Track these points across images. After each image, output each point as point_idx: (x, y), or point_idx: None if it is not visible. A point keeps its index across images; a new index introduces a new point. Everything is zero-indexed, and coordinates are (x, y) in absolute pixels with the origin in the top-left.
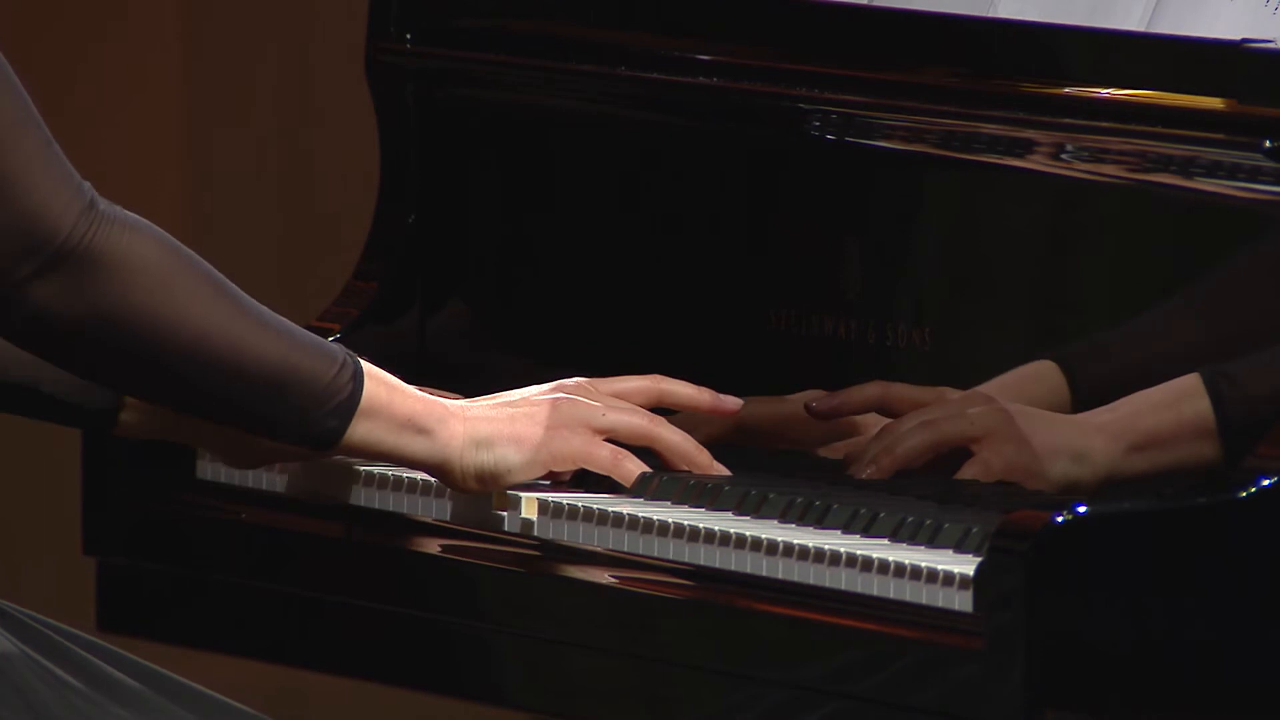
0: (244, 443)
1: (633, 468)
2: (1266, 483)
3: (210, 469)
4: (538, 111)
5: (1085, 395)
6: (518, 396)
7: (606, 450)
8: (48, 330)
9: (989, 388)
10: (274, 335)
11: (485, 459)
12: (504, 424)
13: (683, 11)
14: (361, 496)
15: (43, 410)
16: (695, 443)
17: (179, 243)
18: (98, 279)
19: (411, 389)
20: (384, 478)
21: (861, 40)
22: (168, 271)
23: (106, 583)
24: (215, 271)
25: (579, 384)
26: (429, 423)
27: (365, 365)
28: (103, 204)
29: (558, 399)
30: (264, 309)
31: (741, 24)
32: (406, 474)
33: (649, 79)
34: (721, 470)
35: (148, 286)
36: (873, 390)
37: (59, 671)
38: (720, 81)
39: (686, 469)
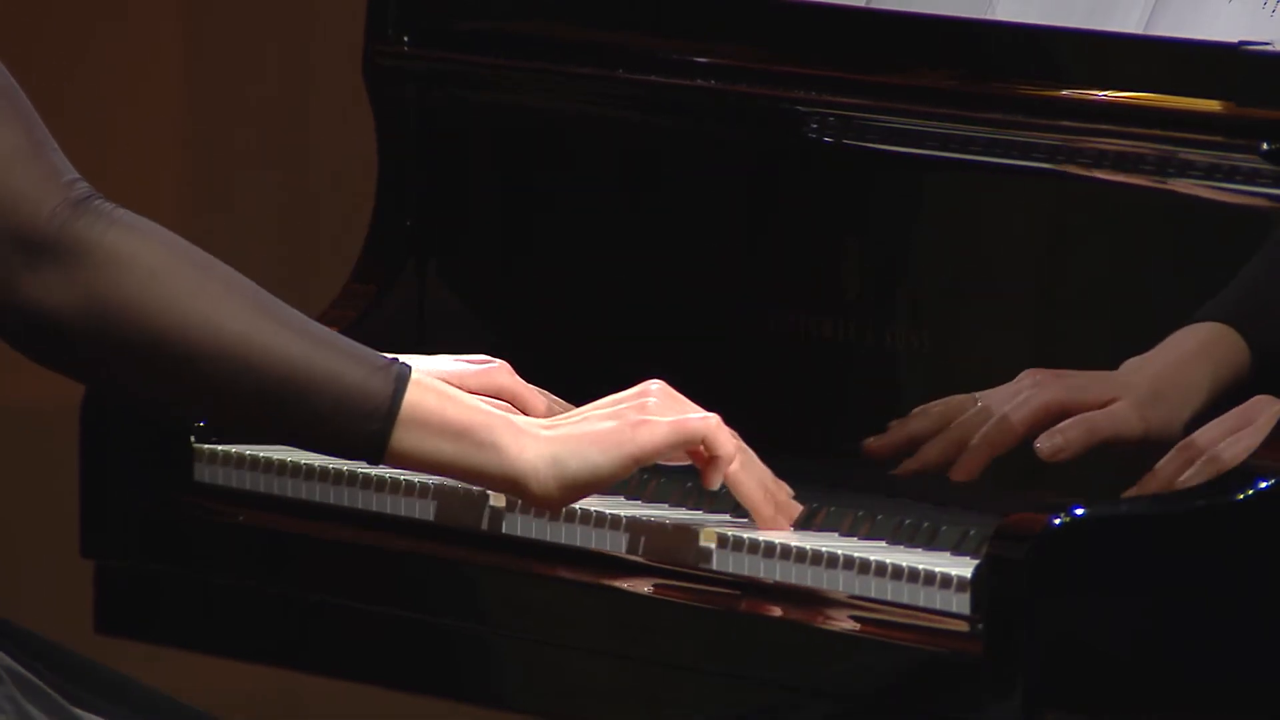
0: None
1: (728, 437)
2: (1265, 485)
3: (208, 471)
4: (536, 113)
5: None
6: (598, 407)
7: (696, 420)
8: (44, 328)
9: (1162, 354)
10: (296, 335)
11: (570, 468)
12: (582, 428)
13: (681, 14)
14: (360, 499)
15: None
16: (771, 499)
17: (190, 244)
18: (86, 270)
19: (478, 400)
20: (380, 480)
21: (860, 42)
22: (165, 265)
23: (104, 585)
24: (233, 272)
25: (663, 388)
26: (492, 435)
27: (418, 374)
28: (100, 201)
29: (641, 399)
30: (295, 313)
31: (740, 26)
32: (404, 476)
33: (648, 81)
34: (783, 525)
35: (141, 279)
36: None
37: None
38: (719, 84)
39: (753, 503)
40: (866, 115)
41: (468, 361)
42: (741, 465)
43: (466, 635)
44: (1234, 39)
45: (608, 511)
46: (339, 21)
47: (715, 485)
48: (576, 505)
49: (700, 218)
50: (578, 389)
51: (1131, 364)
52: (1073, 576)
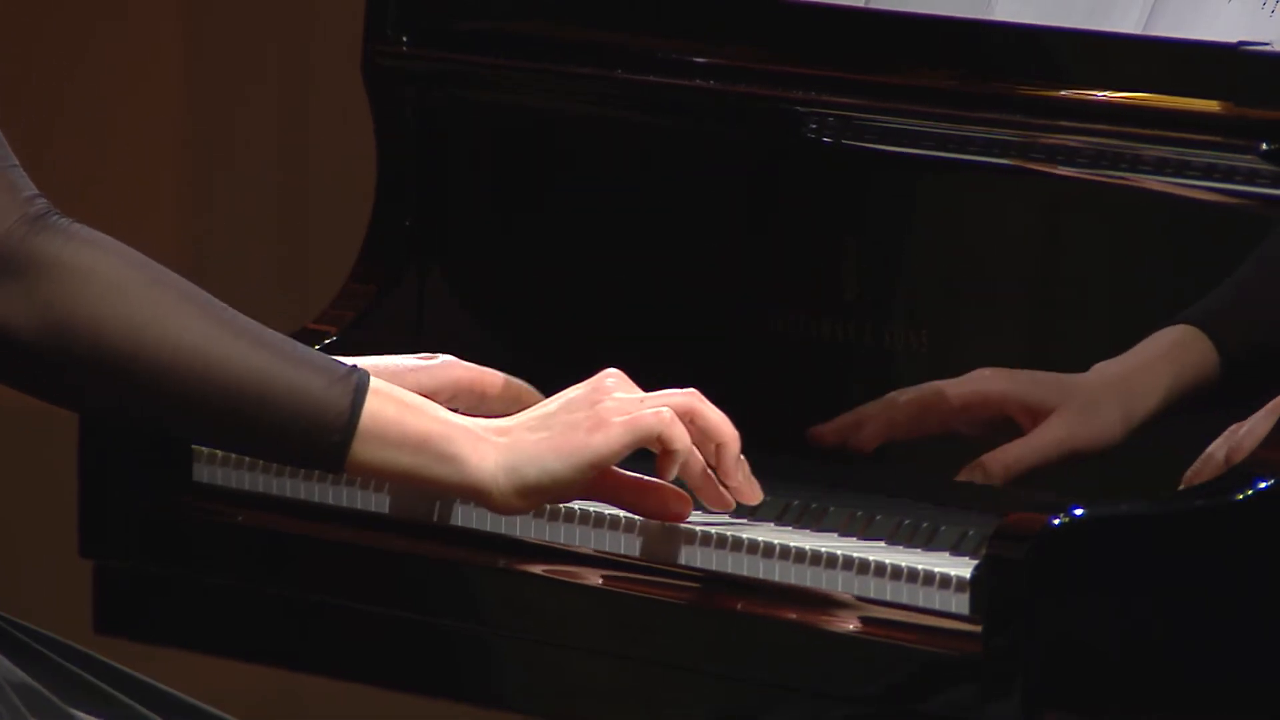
0: None
1: (682, 430)
2: (1264, 485)
3: (207, 471)
4: (536, 113)
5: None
6: (555, 405)
7: (649, 418)
8: (4, 346)
9: (1132, 361)
10: (253, 346)
11: (529, 477)
12: (541, 435)
13: (681, 14)
14: (359, 499)
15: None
16: (732, 427)
17: (148, 258)
18: (45, 286)
19: (439, 410)
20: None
21: (859, 42)
22: (123, 279)
23: (103, 585)
24: (191, 286)
25: (618, 380)
26: (451, 446)
27: (377, 384)
28: (58, 218)
29: (594, 398)
30: (253, 325)
31: (739, 26)
32: None
33: (647, 81)
34: (754, 485)
35: (99, 293)
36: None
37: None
38: (718, 84)
39: (721, 452)
40: (866, 115)
41: (417, 359)
42: (694, 456)
43: (467, 636)
44: (1233, 39)
45: (607, 512)
46: (339, 21)
47: (669, 477)
48: (575, 506)
49: (700, 218)
50: None
51: (1099, 367)
52: (1072, 577)
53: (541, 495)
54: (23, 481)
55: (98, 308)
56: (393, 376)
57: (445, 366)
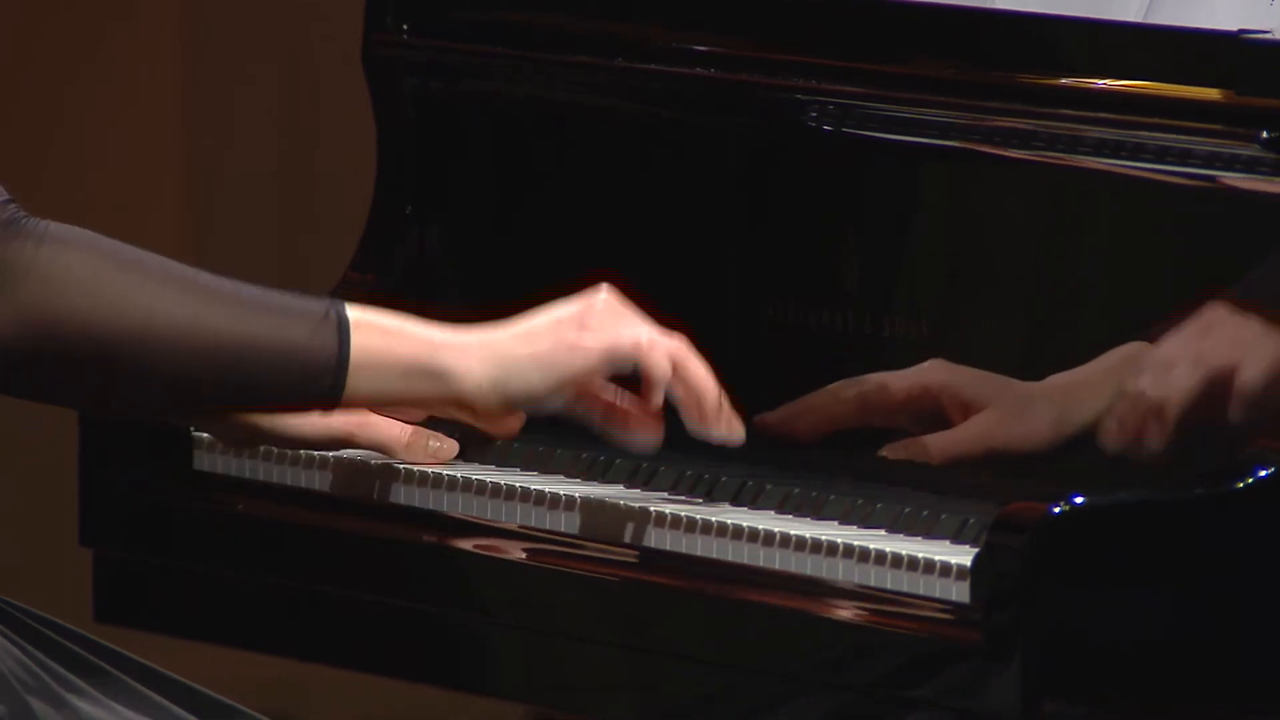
0: (238, 423)
1: (661, 358)
2: (1264, 474)
3: (207, 460)
4: (535, 103)
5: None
6: (545, 320)
7: (627, 343)
8: None
9: (1080, 373)
10: (231, 309)
11: (510, 388)
12: (523, 346)
13: (679, 3)
14: (358, 488)
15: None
16: (713, 378)
17: (118, 244)
18: (23, 292)
19: (419, 328)
20: (382, 467)
21: (859, 32)
22: (99, 271)
23: (103, 574)
24: (166, 260)
25: (609, 300)
26: (438, 363)
27: (358, 315)
28: (27, 220)
29: (583, 318)
30: (227, 284)
31: (738, 15)
32: (403, 466)
33: (646, 70)
34: (734, 424)
35: (79, 289)
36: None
37: (55, 666)
38: (717, 73)
39: (696, 413)
40: (867, 104)
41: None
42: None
43: (463, 624)
44: (1233, 28)
45: (607, 500)
46: (339, 14)
47: (656, 404)
48: (578, 496)
49: (700, 206)
50: None
51: (1051, 377)
52: (1072, 565)
53: (521, 404)
54: (23, 470)
55: (79, 304)
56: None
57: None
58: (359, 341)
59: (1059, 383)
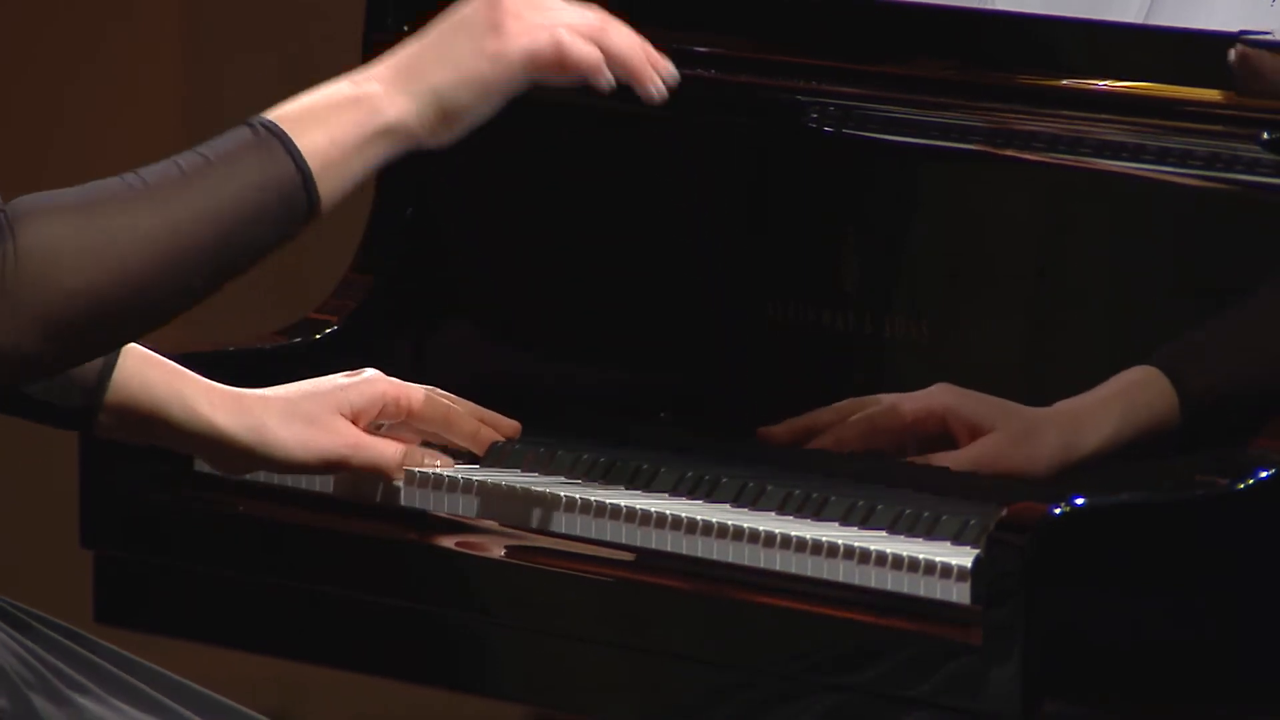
0: (233, 452)
1: (585, 51)
2: (1265, 475)
3: None
4: (534, 103)
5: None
6: (450, 28)
7: (546, 49)
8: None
9: (1086, 399)
10: (190, 190)
11: (447, 112)
12: (446, 69)
13: (680, 3)
14: (360, 489)
15: (21, 409)
16: (643, 47)
17: (77, 189)
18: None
19: (340, 93)
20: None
21: (859, 33)
22: (78, 235)
23: (104, 575)
24: (121, 184)
25: None
26: (380, 123)
27: (284, 119)
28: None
29: (493, 17)
30: (169, 168)
31: (738, 17)
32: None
33: None
34: (663, 65)
35: (68, 264)
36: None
37: (56, 664)
38: (717, 74)
39: (632, 76)
40: (866, 105)
41: (345, 377)
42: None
43: (464, 625)
44: (1233, 29)
45: (608, 502)
46: (339, 14)
47: (606, 89)
48: (591, 495)
49: (700, 207)
50: (576, 377)
51: (1059, 403)
52: (1072, 566)
53: (463, 124)
54: (23, 472)
55: (74, 279)
56: (324, 395)
57: (370, 381)
58: (305, 145)
59: (1065, 409)
